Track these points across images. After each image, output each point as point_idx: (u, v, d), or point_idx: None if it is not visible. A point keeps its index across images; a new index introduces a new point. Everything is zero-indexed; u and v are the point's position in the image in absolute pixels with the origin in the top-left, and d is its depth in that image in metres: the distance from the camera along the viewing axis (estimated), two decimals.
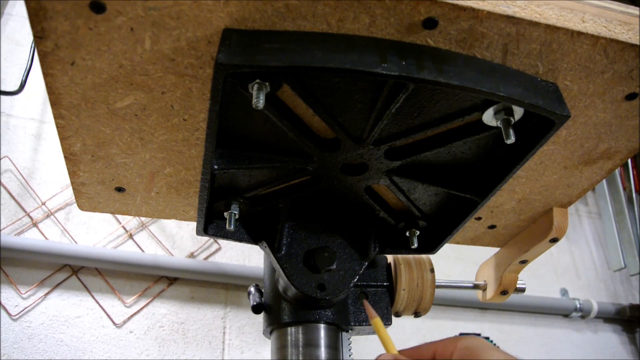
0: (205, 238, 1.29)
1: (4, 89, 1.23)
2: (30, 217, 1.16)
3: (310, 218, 0.55)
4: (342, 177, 0.49)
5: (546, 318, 1.62)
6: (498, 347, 0.43)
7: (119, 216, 1.23)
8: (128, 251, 1.19)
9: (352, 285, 0.53)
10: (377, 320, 0.47)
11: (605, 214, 1.86)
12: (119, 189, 0.51)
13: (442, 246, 0.57)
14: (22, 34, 1.36)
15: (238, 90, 0.37)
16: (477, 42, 0.37)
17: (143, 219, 1.26)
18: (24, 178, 1.19)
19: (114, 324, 1.12)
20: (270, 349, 0.56)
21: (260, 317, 0.58)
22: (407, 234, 0.56)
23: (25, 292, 1.08)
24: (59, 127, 0.43)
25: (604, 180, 1.78)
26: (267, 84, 0.36)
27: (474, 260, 1.45)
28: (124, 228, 1.24)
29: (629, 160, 1.86)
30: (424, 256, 0.63)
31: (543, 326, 1.60)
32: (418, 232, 0.55)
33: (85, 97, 0.40)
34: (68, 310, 1.10)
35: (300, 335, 0.53)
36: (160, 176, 0.50)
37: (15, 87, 1.10)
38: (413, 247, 0.55)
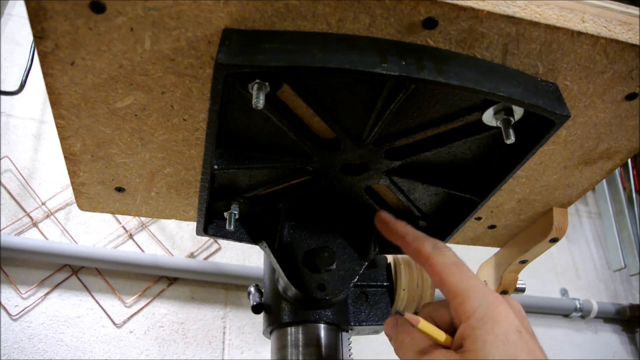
0: (205, 238, 1.29)
1: (4, 89, 1.23)
2: (30, 217, 1.16)
3: (310, 218, 0.55)
4: (342, 177, 0.49)
5: (546, 318, 1.62)
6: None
7: (119, 216, 1.23)
8: (128, 251, 1.19)
9: (352, 285, 0.53)
10: (423, 323, 0.39)
11: (605, 214, 1.86)
12: (119, 189, 0.51)
13: None
14: (22, 34, 1.36)
15: (238, 90, 0.37)
16: (477, 42, 0.37)
17: (143, 219, 1.26)
18: (24, 178, 1.19)
19: (114, 324, 1.12)
20: (270, 349, 0.56)
21: (260, 317, 0.58)
22: None
23: (25, 292, 1.08)
24: (59, 127, 0.43)
25: (604, 180, 1.78)
26: (267, 84, 0.36)
27: (474, 260, 1.45)
28: (124, 228, 1.24)
29: (629, 160, 1.86)
30: None
31: (543, 326, 1.60)
32: None
33: (85, 97, 0.40)
34: (68, 310, 1.10)
35: (300, 335, 0.53)
36: (160, 176, 0.50)
37: (15, 87, 1.10)
38: None
